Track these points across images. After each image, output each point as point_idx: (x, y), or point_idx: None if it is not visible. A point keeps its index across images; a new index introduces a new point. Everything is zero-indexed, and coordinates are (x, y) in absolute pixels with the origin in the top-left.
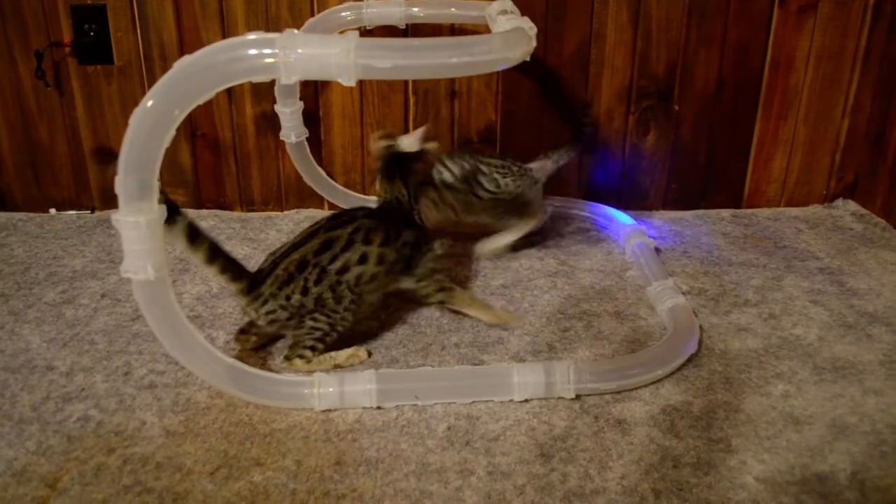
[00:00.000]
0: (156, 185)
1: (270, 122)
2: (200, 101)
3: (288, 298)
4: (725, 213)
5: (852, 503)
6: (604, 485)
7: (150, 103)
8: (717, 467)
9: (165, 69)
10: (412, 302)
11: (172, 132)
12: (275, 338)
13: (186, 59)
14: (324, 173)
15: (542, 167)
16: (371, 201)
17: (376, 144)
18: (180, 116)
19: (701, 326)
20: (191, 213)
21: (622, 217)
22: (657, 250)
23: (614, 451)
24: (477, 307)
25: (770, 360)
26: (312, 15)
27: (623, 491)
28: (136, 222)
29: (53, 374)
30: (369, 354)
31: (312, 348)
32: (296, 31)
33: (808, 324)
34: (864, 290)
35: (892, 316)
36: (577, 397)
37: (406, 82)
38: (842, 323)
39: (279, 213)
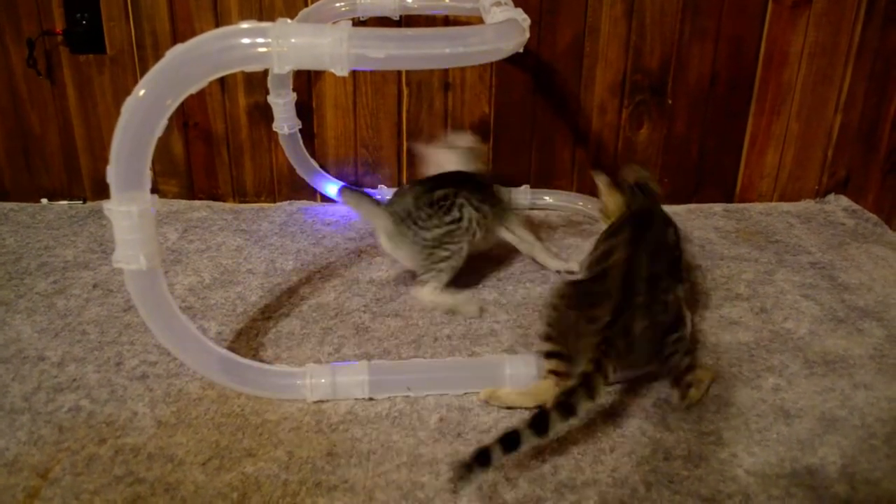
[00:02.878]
0: (148, 174)
1: (263, 113)
2: (193, 91)
3: None
4: (718, 207)
5: (841, 496)
6: (595, 477)
7: (141, 92)
8: (707, 460)
9: (158, 59)
10: (404, 293)
11: (164, 122)
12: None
13: (179, 47)
14: (316, 165)
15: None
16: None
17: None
18: (172, 106)
19: (693, 320)
20: (183, 203)
21: None
22: None
23: (606, 443)
24: None
25: (761, 353)
26: (306, 5)
27: (614, 483)
28: (128, 212)
29: (45, 364)
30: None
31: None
32: (289, 20)
33: (799, 318)
34: (856, 284)
35: (883, 310)
36: None
37: (399, 74)
38: (833, 317)
39: (272, 204)
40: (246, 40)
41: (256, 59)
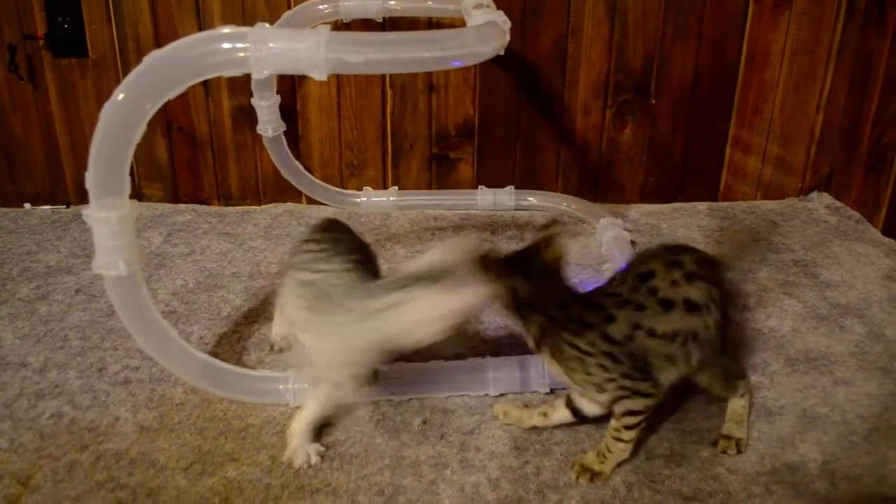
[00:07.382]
0: (127, 179)
1: (247, 116)
2: (172, 96)
3: None
4: (702, 206)
5: (822, 493)
6: None
7: (120, 97)
8: (689, 459)
9: (140, 62)
10: None
11: (144, 126)
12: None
13: (157, 52)
14: (301, 167)
15: None
16: (349, 195)
17: None
18: (151, 110)
19: None
20: (167, 207)
21: None
22: (633, 243)
23: (588, 443)
24: None
25: (744, 351)
26: (289, 8)
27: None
28: (107, 218)
29: (26, 370)
30: None
31: None
32: (267, 25)
33: (781, 315)
34: (838, 282)
35: (864, 308)
36: (552, 391)
37: (383, 76)
38: (815, 315)
39: (257, 207)
40: (225, 45)
41: (235, 64)
